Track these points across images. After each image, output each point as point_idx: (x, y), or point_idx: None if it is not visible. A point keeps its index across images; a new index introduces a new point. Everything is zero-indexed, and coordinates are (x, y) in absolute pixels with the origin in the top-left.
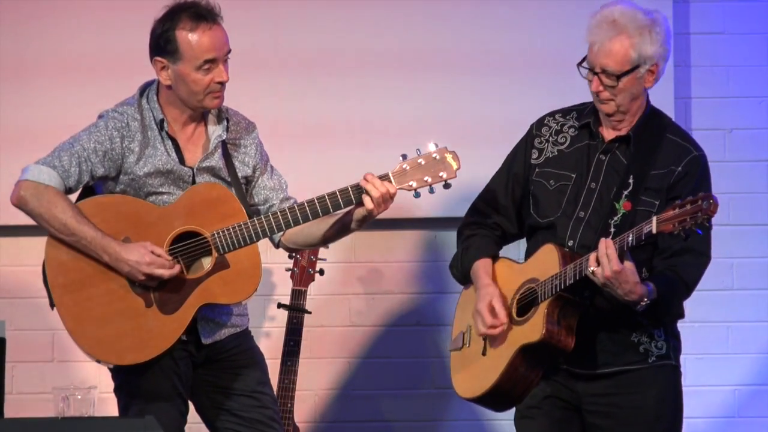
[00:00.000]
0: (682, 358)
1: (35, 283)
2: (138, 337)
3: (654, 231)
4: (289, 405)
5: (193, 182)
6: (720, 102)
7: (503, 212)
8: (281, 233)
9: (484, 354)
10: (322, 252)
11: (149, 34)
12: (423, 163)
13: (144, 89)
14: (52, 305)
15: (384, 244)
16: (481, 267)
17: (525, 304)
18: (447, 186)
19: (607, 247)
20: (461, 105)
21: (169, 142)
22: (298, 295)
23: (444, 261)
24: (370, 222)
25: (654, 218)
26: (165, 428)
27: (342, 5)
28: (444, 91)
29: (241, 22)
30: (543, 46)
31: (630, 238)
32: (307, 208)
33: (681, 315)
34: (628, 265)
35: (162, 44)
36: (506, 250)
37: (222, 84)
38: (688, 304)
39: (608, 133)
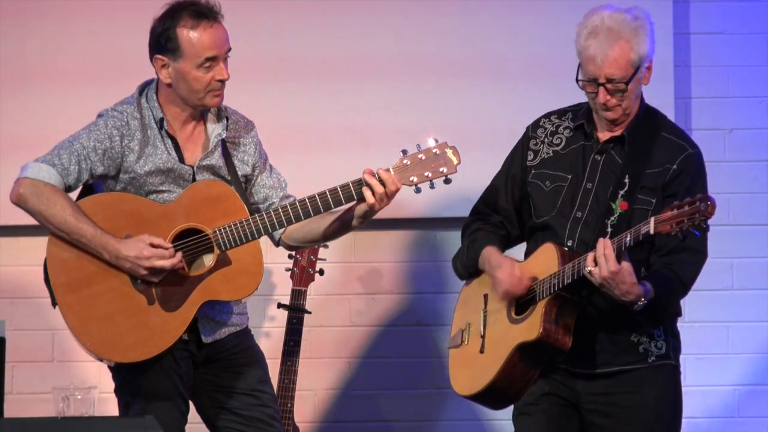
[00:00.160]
0: (682, 358)
1: (35, 283)
2: (140, 334)
3: (652, 232)
4: (289, 405)
5: (194, 181)
6: (720, 102)
7: (504, 214)
8: (281, 231)
9: (482, 352)
10: (322, 252)
11: (149, 33)
12: (423, 158)
13: (143, 88)
14: (54, 304)
15: (384, 244)
16: (492, 251)
17: (523, 303)
18: (447, 181)
19: (605, 247)
20: (461, 109)
21: (169, 141)
22: (298, 295)
23: (444, 261)
24: (370, 221)
25: (652, 219)
26: (165, 428)
27: (341, 12)
28: (444, 96)
29: (241, 29)
30: (542, 51)
31: (628, 239)
32: (308, 204)
33: (679, 313)
34: (626, 265)
35: (162, 42)
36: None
37: (222, 82)
38: (688, 304)
39: (603, 134)
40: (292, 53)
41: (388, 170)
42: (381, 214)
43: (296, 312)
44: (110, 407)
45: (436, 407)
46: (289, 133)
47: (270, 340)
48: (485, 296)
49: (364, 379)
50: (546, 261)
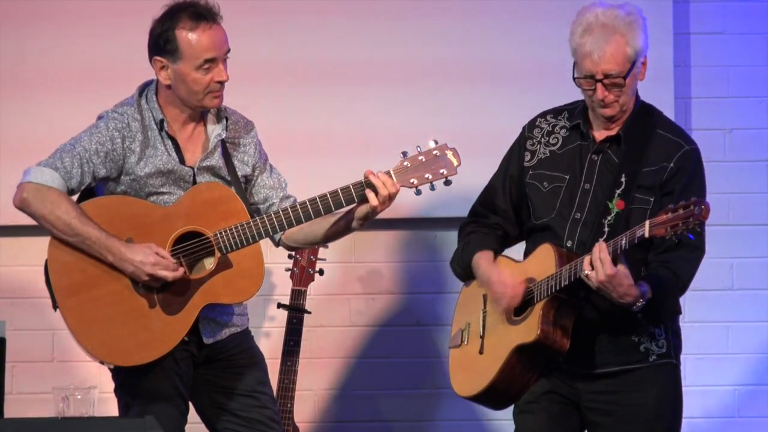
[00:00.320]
0: (682, 357)
1: (35, 283)
2: (142, 338)
3: (647, 235)
4: (288, 405)
5: (194, 182)
6: (720, 102)
7: (502, 214)
8: (282, 232)
9: (481, 352)
10: (322, 252)
11: (148, 34)
12: (424, 160)
13: (143, 89)
14: (55, 307)
15: (384, 244)
16: (483, 257)
17: (522, 304)
18: (448, 183)
19: (600, 250)
20: (462, 112)
21: (169, 142)
22: (297, 295)
23: (443, 261)
24: (371, 222)
25: (647, 222)
26: (165, 428)
27: (341, 16)
28: (445, 99)
29: (241, 33)
30: (542, 55)
31: (623, 242)
32: (309, 206)
33: (678, 311)
34: (622, 268)
35: (161, 44)
36: (506, 251)
37: (222, 83)
38: (688, 304)
39: (599, 134)
40: (292, 57)
41: (388, 172)
42: (381, 215)
43: (296, 312)
44: (110, 407)
45: (435, 407)
46: (289, 138)
47: (270, 340)
48: (484, 296)
49: (364, 379)
50: (544, 262)
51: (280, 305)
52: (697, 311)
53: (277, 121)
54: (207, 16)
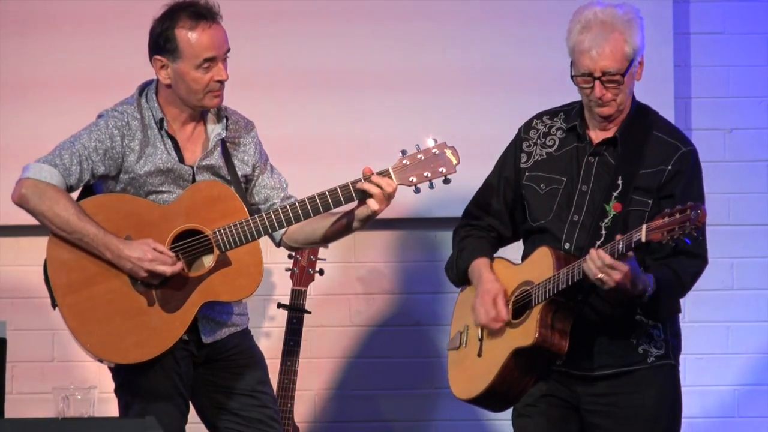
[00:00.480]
0: (682, 357)
1: (35, 283)
2: (141, 335)
3: (643, 239)
4: (288, 405)
5: (193, 181)
6: (720, 102)
7: (496, 216)
8: (283, 232)
9: (479, 355)
10: (322, 252)
11: (148, 34)
12: (422, 158)
13: (143, 89)
14: (54, 305)
15: (384, 244)
16: (482, 264)
17: (520, 307)
18: (447, 181)
19: (600, 257)
20: (461, 117)
21: (169, 141)
22: (297, 295)
23: (443, 261)
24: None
25: (644, 227)
26: (166, 428)
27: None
28: (443, 105)
29: (241, 39)
30: (542, 62)
31: (620, 246)
32: (307, 204)
33: (678, 310)
34: (630, 258)
35: (161, 43)
36: (505, 251)
37: (221, 83)
38: (688, 304)
39: (596, 135)
40: (289, 63)
41: (386, 171)
42: (382, 214)
43: (296, 312)
44: (110, 407)
45: (435, 407)
46: (287, 143)
47: (270, 340)
48: None
49: (364, 379)
50: (541, 265)
51: (280, 305)
52: (697, 311)
53: (276, 127)
54: (207, 16)
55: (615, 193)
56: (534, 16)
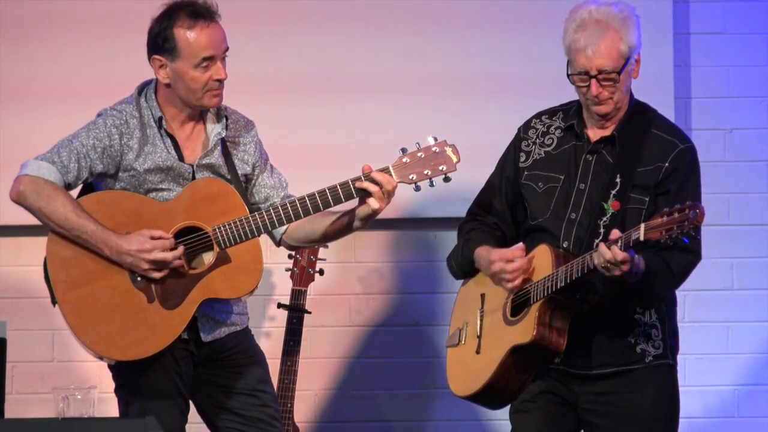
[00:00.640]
0: (682, 358)
1: (35, 282)
2: (140, 332)
3: (642, 238)
4: (288, 405)
5: (193, 179)
6: (720, 102)
7: (499, 215)
8: (283, 230)
9: (478, 352)
10: (322, 252)
11: (147, 33)
12: (423, 156)
13: (142, 88)
14: (54, 302)
15: (383, 244)
16: (485, 247)
17: (519, 304)
18: (447, 179)
19: (614, 254)
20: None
21: (168, 140)
22: (298, 295)
23: (443, 261)
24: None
25: (642, 226)
26: (166, 428)
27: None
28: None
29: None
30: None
31: (618, 245)
32: (307, 201)
33: (666, 298)
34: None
35: (160, 42)
36: None
37: (220, 82)
38: (688, 305)
39: (594, 133)
40: (288, 68)
41: (386, 168)
42: (381, 214)
43: (296, 312)
44: (110, 407)
45: (435, 407)
46: (287, 149)
47: (270, 340)
48: (482, 296)
49: (364, 378)
50: (540, 263)
51: (280, 305)
52: (697, 311)
53: (274, 132)
54: (205, 15)
55: (613, 192)
56: (534, 21)
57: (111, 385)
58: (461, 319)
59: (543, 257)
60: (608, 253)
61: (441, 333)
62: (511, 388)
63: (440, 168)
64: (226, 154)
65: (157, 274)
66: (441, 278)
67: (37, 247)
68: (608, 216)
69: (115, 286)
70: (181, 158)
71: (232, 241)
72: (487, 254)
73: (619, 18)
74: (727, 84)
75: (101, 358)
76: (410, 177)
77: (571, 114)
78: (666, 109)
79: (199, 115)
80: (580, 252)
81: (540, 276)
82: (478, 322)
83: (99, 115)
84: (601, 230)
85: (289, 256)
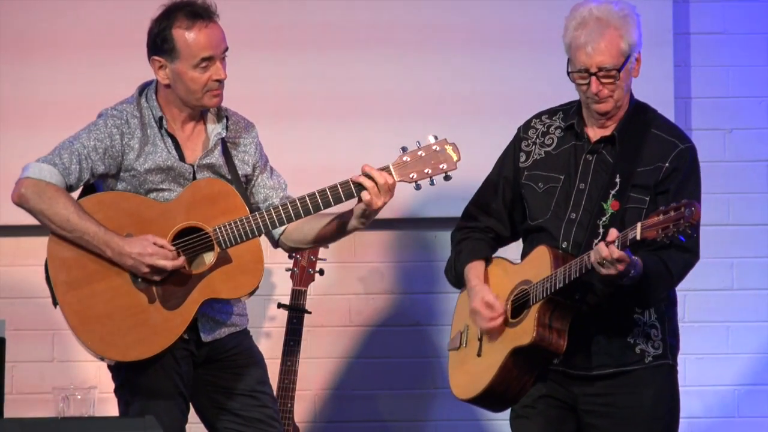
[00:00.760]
0: (682, 358)
1: (35, 282)
2: (141, 333)
3: (638, 237)
4: (288, 405)
5: (194, 179)
6: (720, 102)
7: (495, 216)
8: (281, 231)
9: (479, 355)
10: (322, 252)
11: (147, 34)
12: (423, 155)
13: (143, 89)
14: (55, 303)
15: (384, 244)
16: (471, 270)
17: (519, 306)
18: (447, 178)
19: (612, 253)
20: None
21: (169, 140)
22: (298, 295)
23: (443, 261)
24: (377, 214)
25: (639, 224)
26: (166, 428)
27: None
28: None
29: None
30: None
31: (616, 244)
32: (308, 201)
33: (664, 298)
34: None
35: (159, 43)
36: (505, 251)
37: (220, 82)
38: (688, 305)
39: (594, 133)
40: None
41: (387, 167)
42: (381, 214)
43: (296, 312)
44: (110, 407)
45: (435, 407)
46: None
47: (270, 340)
48: None
49: (364, 379)
50: (539, 264)
51: (280, 305)
52: (697, 311)
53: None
54: (203, 15)
55: (613, 191)
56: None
57: (111, 385)
58: (462, 322)
59: (542, 258)
60: (605, 251)
61: (441, 333)
62: (513, 390)
63: (441, 166)
64: (227, 155)
65: (156, 277)
66: (441, 278)
67: (38, 247)
68: (607, 216)
69: (116, 287)
70: (181, 158)
71: (233, 241)
72: (470, 285)
73: (620, 16)
74: (727, 84)
75: (102, 359)
76: (411, 176)
77: (571, 114)
78: (666, 109)
79: (199, 115)
80: (579, 252)
81: (539, 277)
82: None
83: (99, 115)
84: (601, 230)
85: (290, 256)
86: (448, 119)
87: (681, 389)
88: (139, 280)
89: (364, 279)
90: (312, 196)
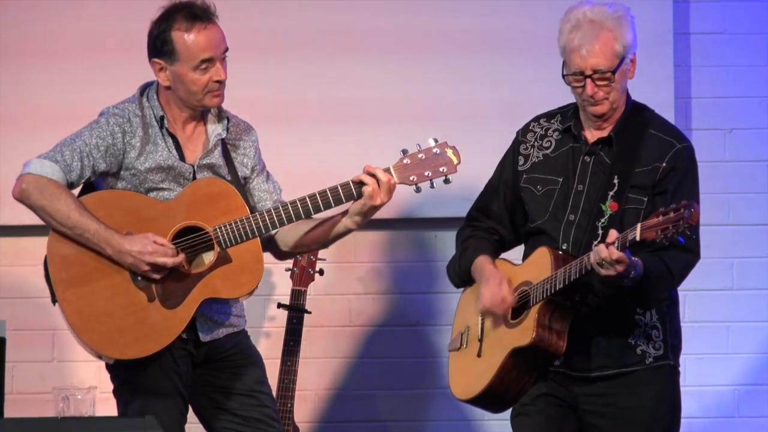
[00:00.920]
0: (682, 357)
1: (35, 283)
2: (140, 331)
3: (638, 238)
4: (288, 405)
5: (194, 179)
6: (720, 102)
7: (497, 219)
8: (274, 233)
9: (479, 356)
10: (322, 252)
11: (147, 36)
12: (423, 157)
13: (144, 89)
14: (54, 301)
15: (384, 244)
16: (484, 260)
17: (519, 307)
18: (447, 181)
19: (611, 254)
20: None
21: (170, 139)
22: (297, 295)
23: (443, 261)
24: (370, 221)
25: (638, 225)
26: (165, 428)
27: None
28: (444, 74)
29: (238, 6)
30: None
31: (615, 245)
32: (308, 201)
33: (665, 299)
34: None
35: (159, 45)
36: (506, 253)
37: (220, 83)
38: (688, 305)
39: (591, 135)
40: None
41: (387, 169)
42: (381, 214)
43: (296, 312)
44: (110, 407)
45: (435, 407)
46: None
47: (270, 340)
48: None
49: (364, 379)
50: (540, 265)
51: (280, 305)
52: (697, 311)
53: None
54: (202, 16)
55: (611, 193)
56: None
57: (111, 385)
58: (463, 323)
59: (542, 259)
60: (604, 252)
61: (441, 333)
62: (512, 391)
63: (441, 169)
64: (227, 156)
65: (156, 276)
66: (441, 278)
67: (38, 247)
68: (606, 217)
69: (116, 285)
70: (182, 158)
71: (233, 241)
72: (479, 276)
73: (614, 18)
74: (727, 84)
75: (100, 357)
76: (411, 178)
77: (569, 116)
78: (666, 109)
79: (200, 115)
80: (579, 254)
81: (539, 278)
82: (480, 325)
83: (101, 114)
84: (600, 232)
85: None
86: (447, 123)
87: (681, 389)
88: (139, 278)
89: (363, 279)
90: (312, 197)
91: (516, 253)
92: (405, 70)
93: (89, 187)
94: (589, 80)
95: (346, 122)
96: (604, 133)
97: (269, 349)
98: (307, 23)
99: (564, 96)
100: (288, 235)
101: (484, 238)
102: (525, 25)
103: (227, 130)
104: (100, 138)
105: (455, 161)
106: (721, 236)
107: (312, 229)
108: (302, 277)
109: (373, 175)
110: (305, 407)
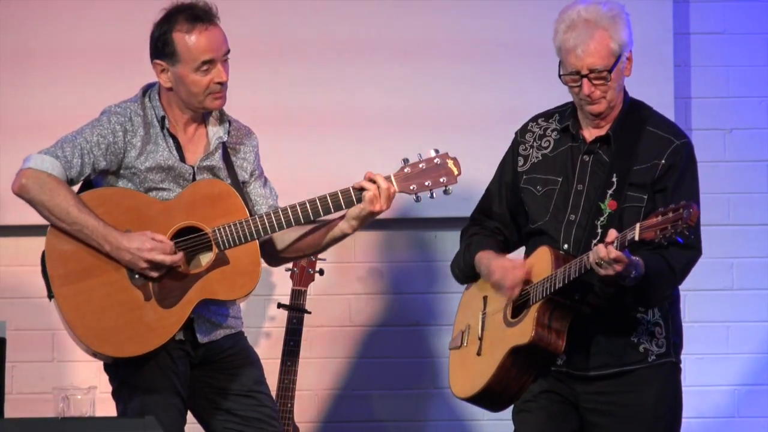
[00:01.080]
0: (682, 358)
1: (35, 283)
2: (136, 329)
3: (637, 238)
4: (289, 405)
5: (193, 180)
6: (720, 102)
7: (500, 220)
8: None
9: (479, 354)
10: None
11: (149, 38)
12: (425, 167)
13: (146, 90)
14: (50, 296)
15: (384, 244)
16: (489, 252)
17: (519, 306)
18: (447, 192)
19: (609, 253)
20: (462, 94)
21: (171, 140)
22: (297, 295)
23: (443, 261)
24: (370, 222)
25: (637, 225)
26: (165, 428)
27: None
28: (444, 81)
29: (240, 12)
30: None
31: (615, 245)
32: (308, 206)
33: (668, 297)
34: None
35: (160, 47)
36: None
37: (222, 84)
38: (688, 305)
39: (589, 134)
40: (289, 39)
41: (388, 177)
42: (381, 215)
43: (296, 312)
44: (110, 407)
45: (435, 407)
46: (288, 119)
47: (270, 340)
48: (485, 298)
49: (364, 379)
50: (540, 264)
51: (280, 305)
52: (697, 311)
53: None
54: (203, 18)
55: (610, 191)
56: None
57: (110, 385)
58: (464, 322)
59: (543, 259)
60: (603, 251)
61: (441, 333)
62: (511, 389)
63: (441, 180)
64: (227, 159)
65: (154, 273)
66: (441, 278)
67: (37, 247)
68: (605, 216)
69: (113, 282)
70: (182, 159)
71: (232, 242)
72: (487, 261)
73: (608, 16)
74: (727, 84)
75: (95, 355)
76: (411, 187)
77: (567, 115)
78: (666, 109)
79: (201, 117)
80: (580, 253)
81: (540, 277)
82: (480, 324)
83: (103, 112)
84: (599, 230)
85: None
86: (447, 130)
87: (682, 388)
88: (137, 276)
89: (363, 279)
90: (312, 201)
91: (517, 255)
92: (406, 77)
93: (88, 185)
94: (585, 80)
95: (346, 129)
96: (602, 132)
97: (269, 349)
98: (309, 29)
99: (565, 100)
100: (281, 240)
101: (488, 236)
102: (526, 32)
103: (228, 133)
104: (101, 136)
105: (456, 172)
106: (721, 236)
107: (307, 232)
108: (302, 277)
109: (374, 182)
110: (305, 407)
